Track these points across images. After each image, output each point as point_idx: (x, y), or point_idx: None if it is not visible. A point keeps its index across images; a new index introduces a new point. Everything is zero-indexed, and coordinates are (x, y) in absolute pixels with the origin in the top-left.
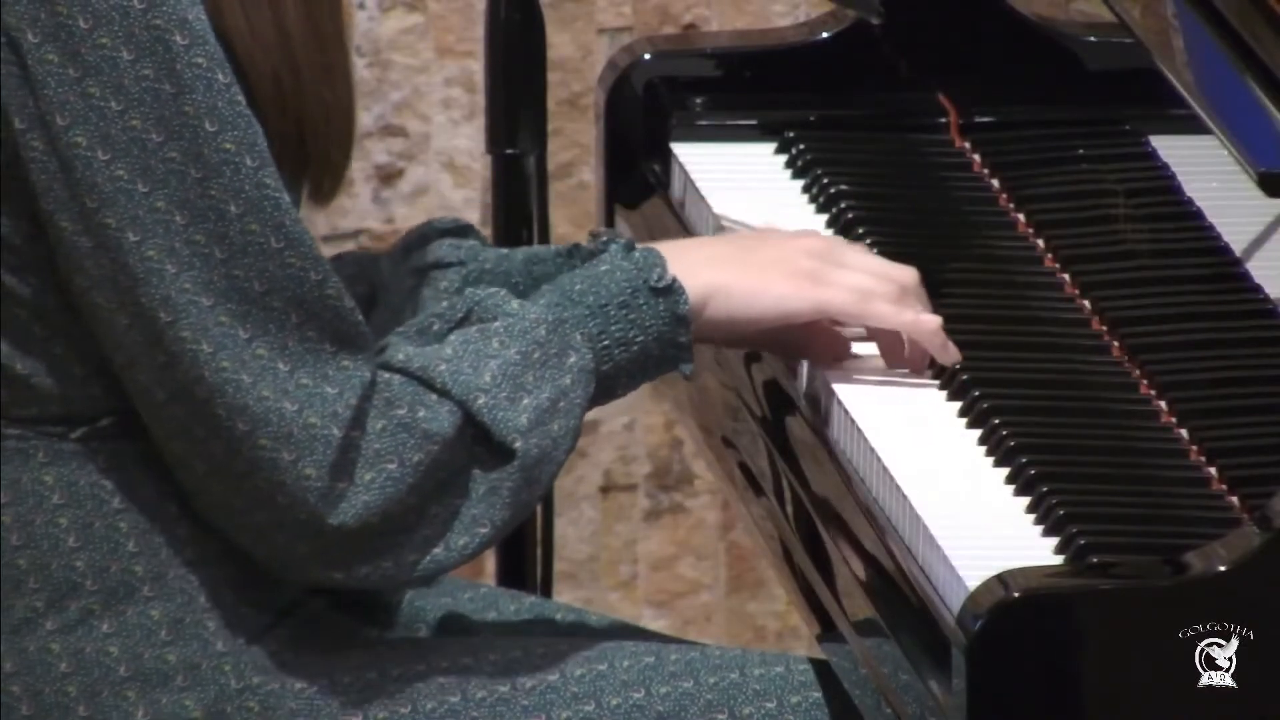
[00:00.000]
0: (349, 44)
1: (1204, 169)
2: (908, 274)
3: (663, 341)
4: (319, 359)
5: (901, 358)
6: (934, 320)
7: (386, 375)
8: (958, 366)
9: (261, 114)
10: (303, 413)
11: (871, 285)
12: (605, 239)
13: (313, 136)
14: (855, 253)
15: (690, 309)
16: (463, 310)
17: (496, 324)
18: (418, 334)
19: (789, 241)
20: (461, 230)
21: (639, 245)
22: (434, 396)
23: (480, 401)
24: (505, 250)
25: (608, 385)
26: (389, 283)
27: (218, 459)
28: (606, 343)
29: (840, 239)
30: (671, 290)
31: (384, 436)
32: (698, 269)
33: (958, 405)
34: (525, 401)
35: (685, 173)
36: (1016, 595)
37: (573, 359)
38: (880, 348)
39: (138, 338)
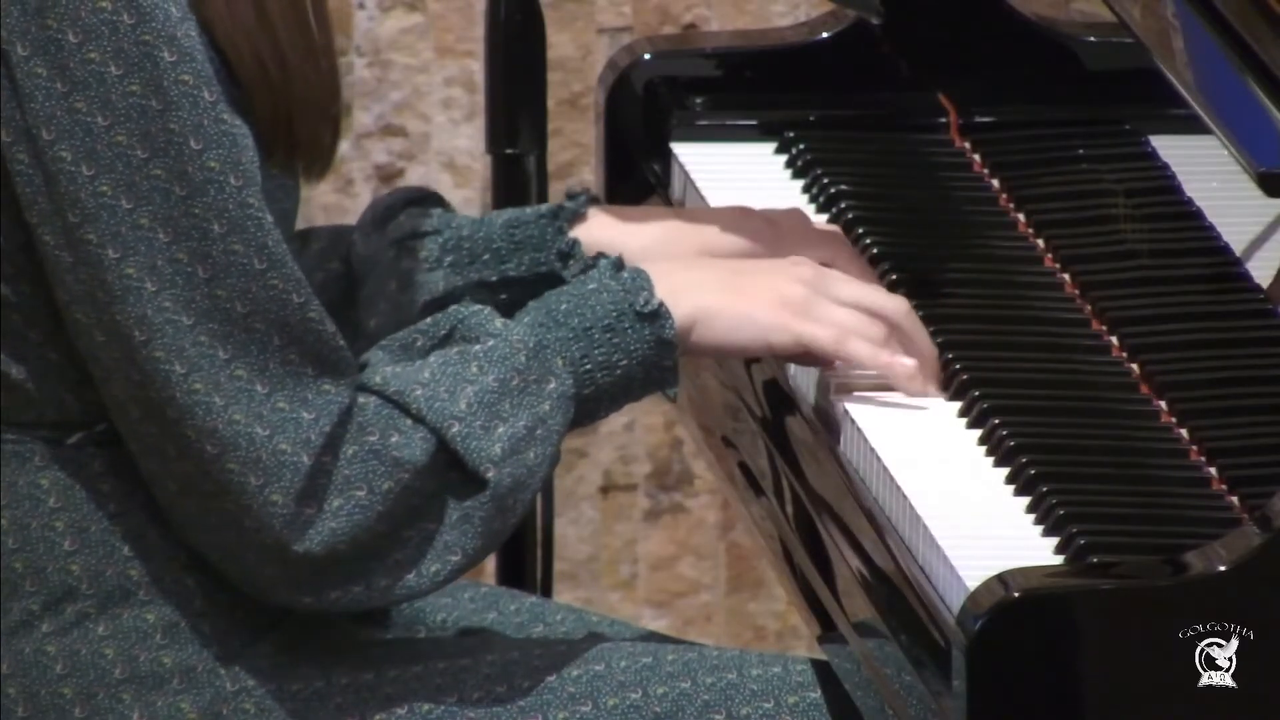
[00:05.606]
0: (332, 27)
1: (1204, 169)
2: (897, 308)
3: (647, 365)
4: (299, 382)
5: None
6: (909, 365)
7: (362, 399)
8: (958, 367)
9: (250, 99)
10: (273, 438)
11: (853, 323)
12: (583, 196)
13: (301, 119)
14: (846, 284)
15: (676, 334)
16: (446, 327)
17: (477, 347)
18: (400, 349)
19: (781, 270)
20: (425, 199)
21: (628, 265)
22: (408, 422)
23: (454, 430)
24: (481, 216)
25: (589, 409)
26: (366, 255)
27: (188, 479)
28: (589, 366)
29: (833, 273)
30: (658, 315)
31: (354, 463)
32: (685, 293)
33: (958, 405)
34: (500, 430)
35: (685, 173)
36: (1016, 595)
37: (552, 385)
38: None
39: (114, 354)
